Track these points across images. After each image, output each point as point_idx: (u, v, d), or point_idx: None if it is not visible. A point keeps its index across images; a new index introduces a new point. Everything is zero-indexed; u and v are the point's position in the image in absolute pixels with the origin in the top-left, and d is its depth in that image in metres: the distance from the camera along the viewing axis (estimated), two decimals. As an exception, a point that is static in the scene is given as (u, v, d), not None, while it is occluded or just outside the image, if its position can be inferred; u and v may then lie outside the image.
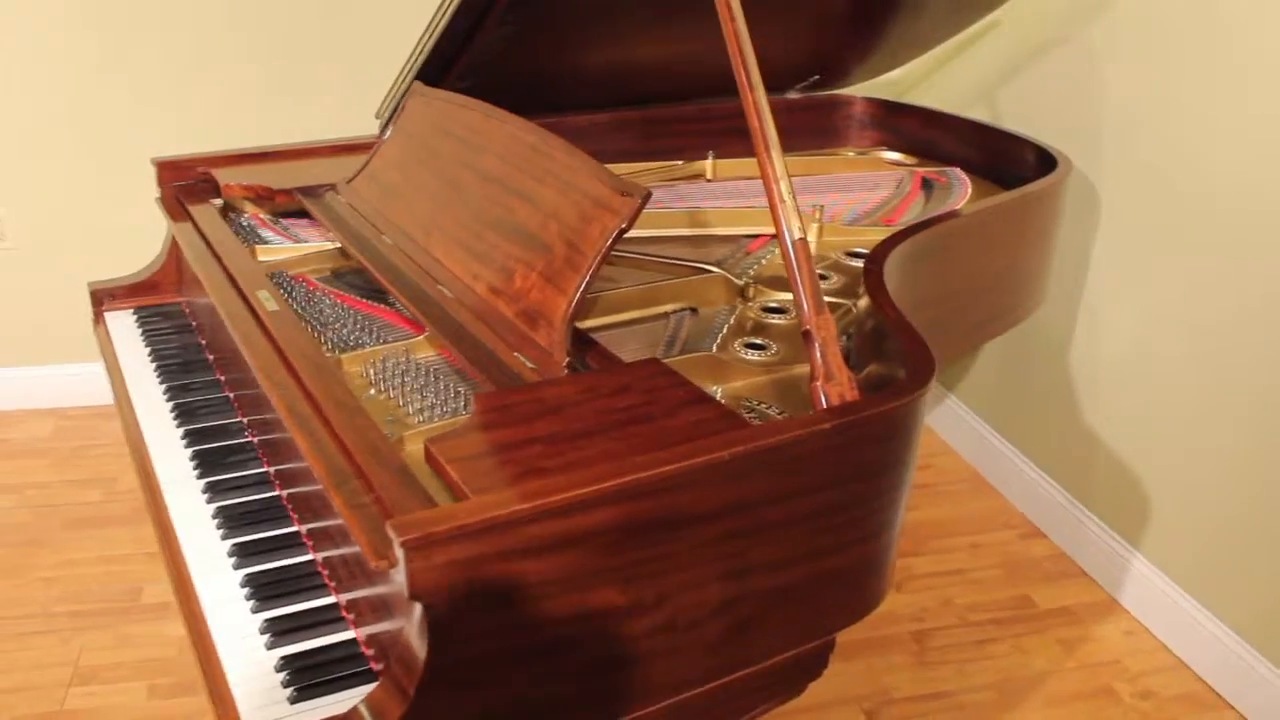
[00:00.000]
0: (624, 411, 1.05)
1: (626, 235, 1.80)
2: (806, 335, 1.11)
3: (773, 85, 2.41)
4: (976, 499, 2.52)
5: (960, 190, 2.18)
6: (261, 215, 1.80)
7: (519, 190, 1.34)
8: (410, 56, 1.77)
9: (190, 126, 2.50)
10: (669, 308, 1.55)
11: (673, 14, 2.03)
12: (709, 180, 2.20)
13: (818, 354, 1.11)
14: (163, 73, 2.46)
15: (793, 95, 2.46)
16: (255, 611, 1.11)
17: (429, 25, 1.67)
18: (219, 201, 1.81)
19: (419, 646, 0.89)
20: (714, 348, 1.42)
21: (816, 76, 2.42)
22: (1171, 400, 2.03)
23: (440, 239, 1.43)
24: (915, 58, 2.49)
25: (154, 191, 1.80)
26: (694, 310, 1.57)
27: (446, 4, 1.61)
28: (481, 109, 1.51)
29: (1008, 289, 1.93)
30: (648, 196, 1.16)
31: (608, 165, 2.14)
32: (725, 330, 1.49)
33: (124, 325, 1.73)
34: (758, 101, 1.16)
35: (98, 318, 1.76)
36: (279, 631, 1.07)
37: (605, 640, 0.98)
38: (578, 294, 1.17)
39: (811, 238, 1.89)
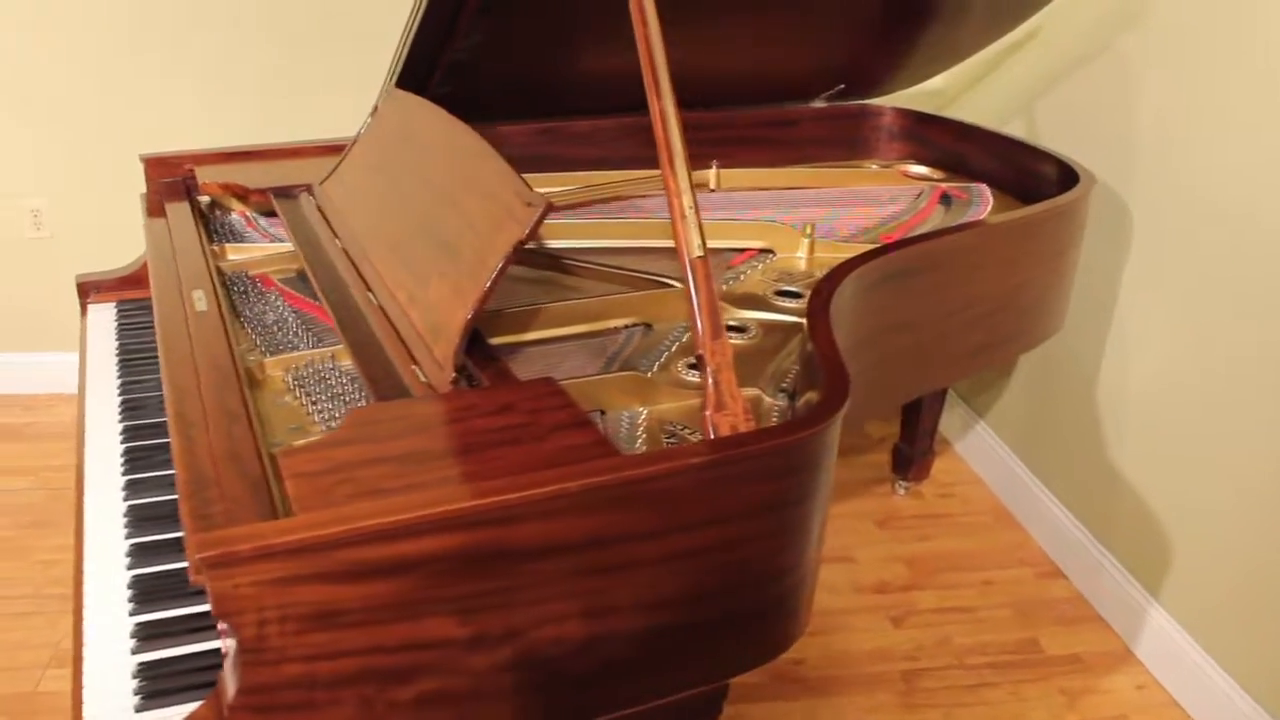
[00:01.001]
0: (494, 433, 1.01)
1: (605, 247, 1.78)
2: (700, 360, 1.05)
3: (797, 93, 2.37)
4: (998, 533, 2.40)
5: (979, 207, 2.08)
6: (249, 214, 1.81)
7: (451, 198, 1.31)
8: (394, 59, 1.75)
9: (229, 120, 2.53)
10: (621, 322, 1.50)
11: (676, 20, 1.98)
12: (712, 190, 2.13)
13: (710, 381, 1.04)
14: (202, 66, 2.51)
15: (818, 104, 2.37)
16: (132, 614, 1.10)
17: (404, 29, 1.65)
18: (206, 199, 1.82)
19: (232, 667, 0.86)
20: (655, 367, 1.37)
21: (842, 86, 2.34)
22: (1199, 440, 1.89)
23: (382, 244, 1.41)
24: (951, 67, 2.38)
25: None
26: (648, 326, 1.51)
27: (416, 10, 1.59)
28: (437, 116, 1.48)
29: (1012, 313, 1.82)
30: (549, 208, 1.11)
31: (612, 171, 2.14)
32: (675, 348, 1.44)
33: (104, 318, 1.75)
34: (664, 110, 1.10)
35: (83, 310, 1.79)
36: (147, 636, 1.06)
37: (448, 673, 0.93)
38: (476, 306, 1.13)
39: (802, 254, 1.82)
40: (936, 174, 2.32)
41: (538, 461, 0.97)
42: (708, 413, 1.03)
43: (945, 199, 2.14)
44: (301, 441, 1.03)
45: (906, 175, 2.30)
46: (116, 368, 1.59)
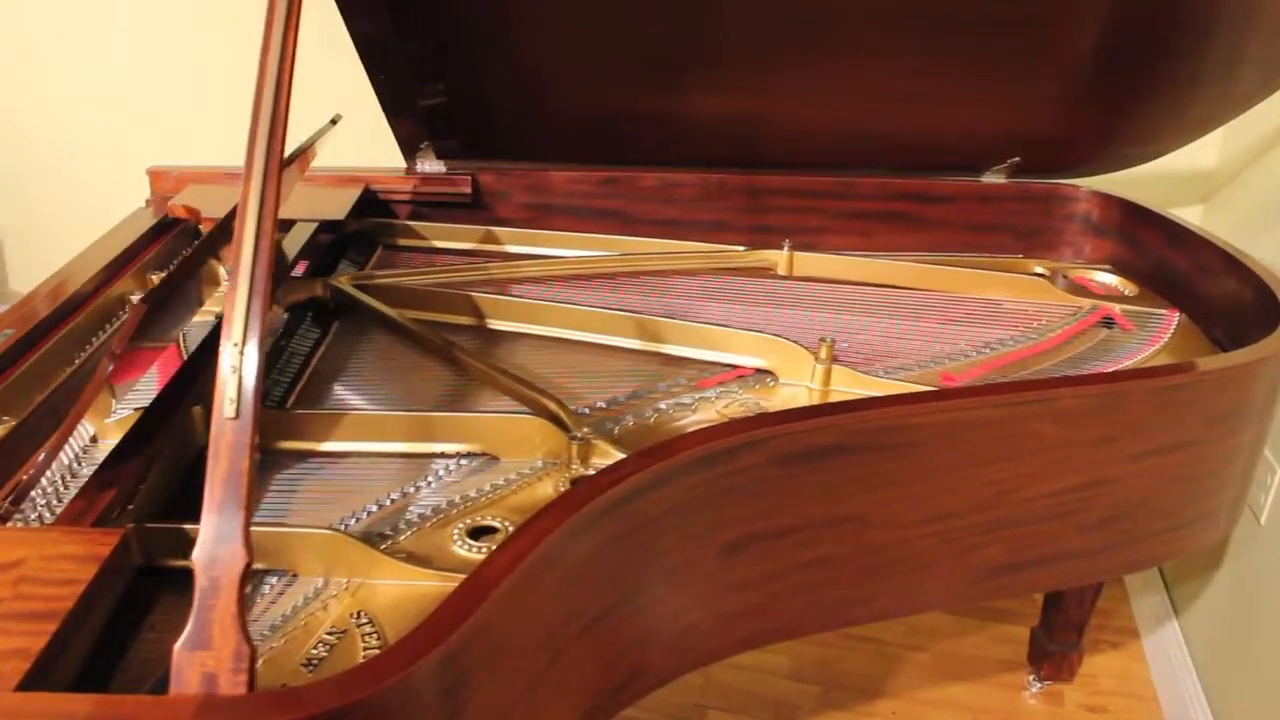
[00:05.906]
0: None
1: (554, 337, 1.45)
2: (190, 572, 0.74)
3: (959, 163, 1.84)
4: (1143, 782, 1.75)
5: (1143, 346, 1.51)
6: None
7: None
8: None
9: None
10: (455, 448, 1.19)
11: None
12: (782, 276, 1.70)
13: (195, 603, 0.73)
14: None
15: (990, 179, 1.84)
16: None
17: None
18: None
19: None
20: (426, 524, 1.06)
21: (1017, 159, 1.80)
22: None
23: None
24: (1179, 146, 1.75)
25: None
26: (492, 458, 1.19)
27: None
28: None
29: (1068, 526, 1.25)
30: (143, 308, 0.84)
31: (679, 240, 1.77)
32: (486, 499, 1.12)
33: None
34: (247, 196, 0.78)
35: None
36: None
37: None
38: (71, 425, 0.89)
39: (813, 383, 1.38)
40: (1130, 288, 1.72)
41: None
42: (175, 648, 0.72)
43: (1107, 323, 1.58)
44: None
45: (1087, 286, 1.73)
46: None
